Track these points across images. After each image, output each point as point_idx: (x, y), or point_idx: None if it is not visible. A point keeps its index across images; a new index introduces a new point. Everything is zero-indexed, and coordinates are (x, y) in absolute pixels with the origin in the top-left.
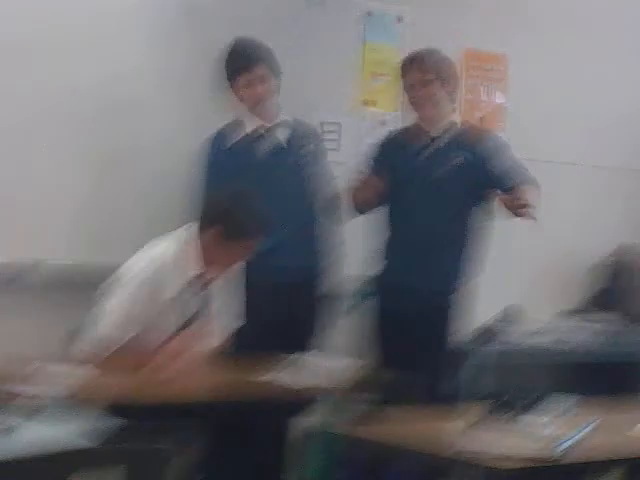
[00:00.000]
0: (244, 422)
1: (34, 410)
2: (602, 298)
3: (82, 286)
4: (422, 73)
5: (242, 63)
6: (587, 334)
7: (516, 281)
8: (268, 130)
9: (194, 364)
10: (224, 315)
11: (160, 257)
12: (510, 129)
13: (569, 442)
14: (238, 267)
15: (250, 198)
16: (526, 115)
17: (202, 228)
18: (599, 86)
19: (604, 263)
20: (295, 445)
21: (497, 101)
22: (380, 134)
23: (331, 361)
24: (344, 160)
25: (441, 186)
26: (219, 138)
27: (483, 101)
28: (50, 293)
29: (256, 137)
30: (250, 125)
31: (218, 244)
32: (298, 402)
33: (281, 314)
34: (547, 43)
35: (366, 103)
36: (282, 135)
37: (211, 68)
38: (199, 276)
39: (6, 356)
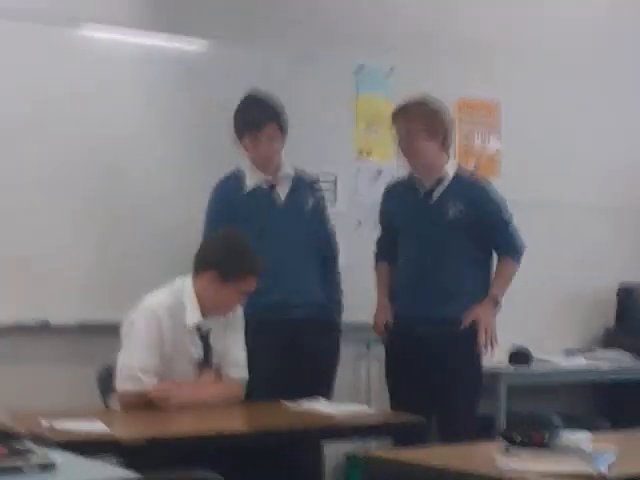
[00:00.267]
0: (281, 451)
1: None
2: (608, 337)
3: (91, 344)
4: (407, 124)
5: (253, 120)
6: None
7: (519, 321)
8: (271, 185)
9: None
10: (233, 363)
11: (155, 304)
12: (505, 174)
13: (611, 458)
14: (237, 311)
15: (241, 239)
16: (520, 160)
17: (197, 273)
18: (592, 130)
19: (608, 302)
20: (335, 471)
21: (491, 147)
22: (376, 184)
23: (342, 407)
24: (341, 211)
25: (438, 237)
26: (223, 189)
27: (477, 147)
28: (58, 351)
29: (258, 191)
30: (252, 178)
31: (214, 288)
32: (336, 428)
33: (298, 351)
34: (539, 89)
35: (361, 154)
36: (284, 189)
37: (210, 125)
38: (197, 326)
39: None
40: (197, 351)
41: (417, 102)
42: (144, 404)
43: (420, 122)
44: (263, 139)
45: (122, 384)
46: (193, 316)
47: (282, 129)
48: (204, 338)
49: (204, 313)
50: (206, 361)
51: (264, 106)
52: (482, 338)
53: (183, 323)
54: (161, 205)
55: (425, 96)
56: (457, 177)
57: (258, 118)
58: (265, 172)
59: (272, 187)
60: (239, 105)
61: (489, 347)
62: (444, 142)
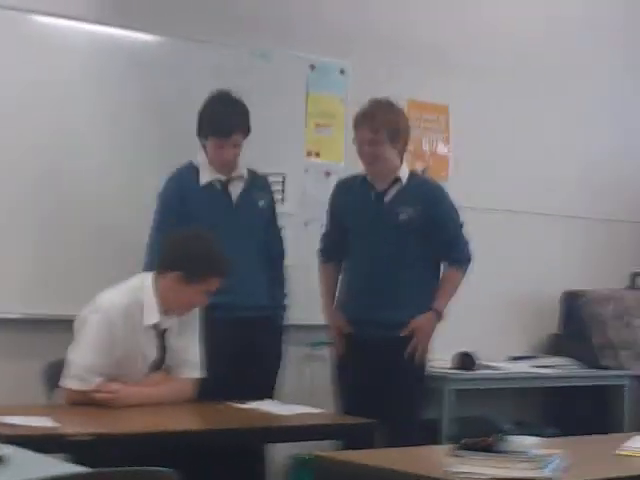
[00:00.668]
0: (225, 450)
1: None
2: (553, 343)
3: (35, 338)
4: (372, 132)
5: (221, 127)
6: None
7: (465, 326)
8: (224, 183)
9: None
10: (187, 363)
11: (109, 304)
12: (453, 178)
13: (560, 463)
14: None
15: (209, 241)
16: (469, 165)
17: (161, 272)
18: (543, 137)
19: (554, 308)
20: (280, 472)
21: (439, 151)
22: (325, 185)
23: (290, 408)
24: (289, 211)
25: (390, 238)
26: (178, 180)
27: (425, 151)
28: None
29: (212, 188)
30: (206, 175)
31: (178, 288)
32: (279, 430)
33: (242, 351)
34: (488, 92)
35: (310, 154)
36: (237, 189)
37: (160, 120)
38: (155, 325)
39: None
40: (153, 351)
41: (382, 108)
42: (88, 403)
43: (385, 130)
44: (228, 145)
45: (68, 382)
46: (151, 316)
47: (246, 135)
48: (160, 337)
49: (163, 312)
50: (161, 361)
51: (234, 113)
52: (412, 347)
53: (140, 322)
54: (106, 198)
55: (387, 100)
56: (411, 179)
57: (228, 126)
58: (219, 171)
59: (225, 185)
60: (208, 105)
61: (416, 359)
62: (404, 147)
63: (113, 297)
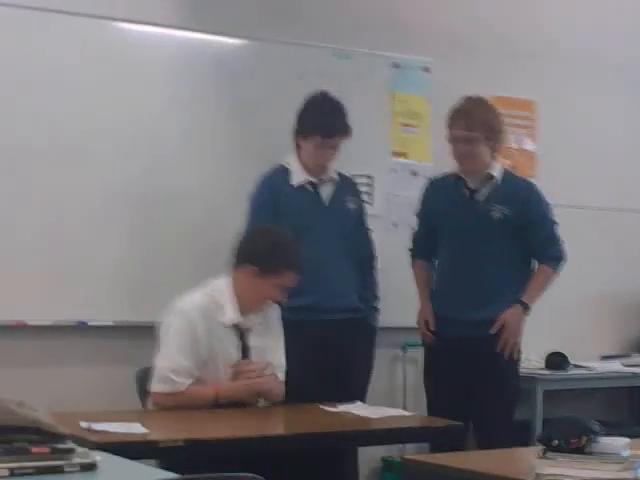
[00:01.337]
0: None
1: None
2: None
3: (128, 345)
4: (468, 130)
5: (327, 127)
6: None
7: (556, 325)
8: (316, 185)
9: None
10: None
11: (189, 306)
12: (541, 175)
13: None
14: (275, 314)
15: (284, 236)
16: (557, 161)
17: (236, 268)
18: (630, 130)
19: None
20: (370, 474)
21: (527, 148)
22: (412, 185)
23: (380, 411)
24: (377, 212)
25: (482, 237)
26: (270, 181)
27: (513, 148)
28: (95, 352)
29: (303, 190)
30: (297, 177)
31: (252, 282)
32: (373, 432)
33: (333, 353)
34: (577, 88)
35: (397, 154)
36: (328, 191)
37: (243, 123)
38: (235, 325)
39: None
40: (235, 351)
41: (477, 106)
42: (176, 405)
43: (481, 129)
44: (328, 147)
45: (155, 386)
46: (231, 315)
47: (348, 137)
48: (242, 338)
49: (242, 312)
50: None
51: (341, 115)
52: (503, 342)
53: (220, 323)
54: (191, 202)
55: (481, 98)
56: (505, 177)
57: (334, 127)
58: (311, 173)
59: (316, 187)
60: (312, 105)
61: (508, 353)
62: (497, 145)
63: (191, 299)
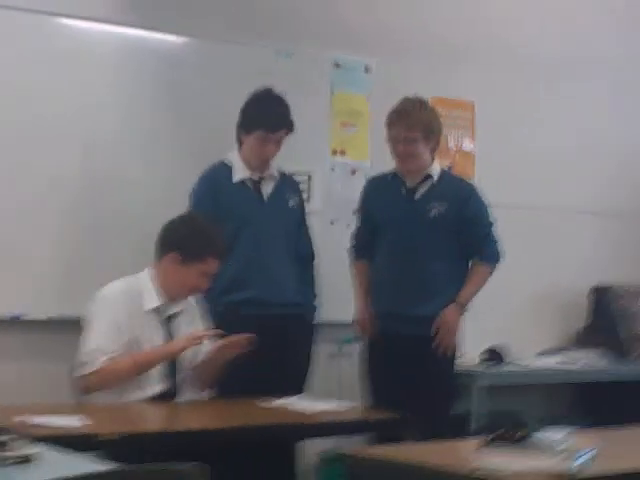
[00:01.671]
0: (254, 448)
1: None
2: (582, 337)
3: (63, 339)
4: (408, 131)
5: (270, 122)
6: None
7: (494, 321)
8: (256, 182)
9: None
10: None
11: (107, 291)
12: (479, 175)
13: (585, 457)
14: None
15: (206, 223)
16: (495, 161)
17: (159, 257)
18: (571, 132)
19: (582, 302)
20: (310, 468)
21: (466, 148)
22: (351, 183)
23: (320, 404)
24: (315, 209)
25: (420, 235)
26: (211, 176)
27: (451, 148)
28: (30, 347)
29: (244, 186)
30: (239, 173)
31: (175, 269)
32: (310, 426)
33: (272, 348)
34: (514, 89)
35: (336, 152)
36: (268, 188)
37: (185, 121)
38: (157, 310)
39: None
40: (159, 339)
41: (416, 107)
42: (100, 384)
43: (420, 129)
44: (271, 142)
45: (76, 371)
46: (151, 300)
47: (290, 133)
48: (166, 325)
49: (167, 300)
50: None
51: (284, 109)
52: (439, 341)
53: (140, 309)
54: (135, 198)
55: (420, 99)
56: (443, 176)
57: (276, 122)
58: (253, 169)
59: (257, 184)
60: (255, 101)
61: (443, 350)
62: (436, 145)
63: (111, 285)
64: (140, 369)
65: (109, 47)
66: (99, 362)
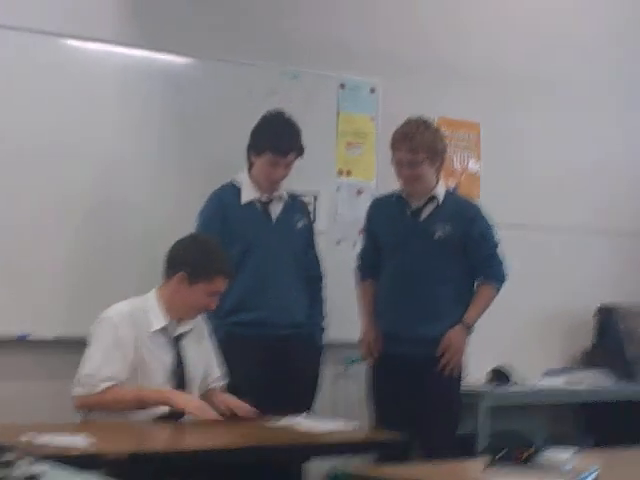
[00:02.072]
0: (260, 468)
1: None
2: (587, 357)
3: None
4: (412, 154)
5: (281, 146)
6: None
7: (500, 341)
8: (264, 203)
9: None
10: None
11: (113, 312)
12: (484, 196)
13: (590, 477)
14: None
15: (213, 243)
16: (499, 182)
17: (166, 278)
18: (572, 154)
19: (588, 322)
20: None
21: (471, 168)
22: (356, 203)
23: (326, 423)
24: (321, 229)
25: (425, 255)
26: (220, 197)
27: (456, 169)
28: (35, 367)
29: (252, 206)
30: (247, 194)
31: (182, 289)
32: (316, 446)
33: (279, 368)
34: (519, 109)
35: (341, 173)
36: (277, 209)
37: (191, 142)
38: (163, 331)
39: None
40: (169, 359)
41: (420, 129)
42: (98, 407)
43: (425, 151)
44: (282, 165)
45: (75, 390)
46: (158, 320)
47: (300, 156)
48: (174, 346)
49: (174, 318)
50: (179, 368)
51: (294, 134)
52: (445, 362)
53: (146, 330)
54: (139, 219)
55: (423, 120)
56: (448, 197)
57: (288, 145)
58: (261, 191)
59: (265, 205)
60: (266, 123)
61: (449, 371)
62: (440, 166)
63: (116, 306)
64: (142, 405)
65: (115, 67)
66: (97, 386)
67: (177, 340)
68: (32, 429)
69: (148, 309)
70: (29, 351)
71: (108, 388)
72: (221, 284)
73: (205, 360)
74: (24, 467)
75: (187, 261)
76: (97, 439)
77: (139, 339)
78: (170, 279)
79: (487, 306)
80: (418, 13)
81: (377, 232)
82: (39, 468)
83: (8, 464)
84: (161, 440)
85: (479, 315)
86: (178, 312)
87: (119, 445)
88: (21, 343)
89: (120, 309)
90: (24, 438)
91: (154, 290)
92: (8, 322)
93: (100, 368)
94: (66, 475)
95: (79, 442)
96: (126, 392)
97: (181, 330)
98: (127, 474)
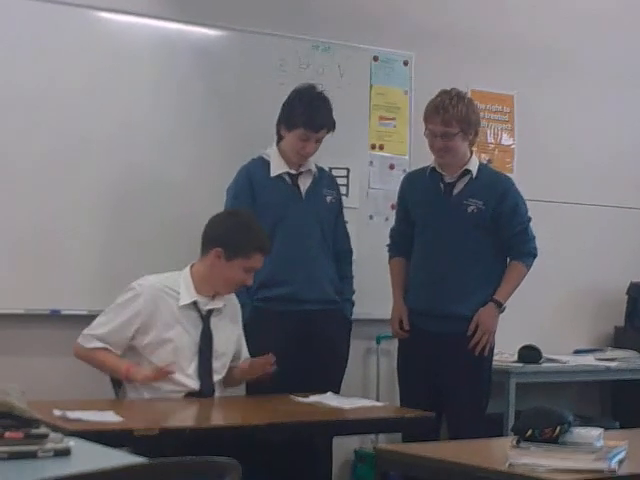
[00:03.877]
0: (288, 444)
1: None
2: (618, 336)
3: None
4: (445, 126)
5: (314, 121)
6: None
7: (530, 319)
8: (294, 176)
9: None
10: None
11: (142, 281)
12: (518, 171)
13: (622, 454)
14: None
15: (248, 217)
16: (534, 157)
17: (203, 253)
18: (606, 125)
19: (620, 301)
20: (343, 464)
21: (504, 142)
22: (389, 178)
23: (351, 401)
24: (353, 204)
25: (457, 231)
26: (249, 170)
27: (490, 142)
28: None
29: (282, 180)
30: (276, 168)
31: (219, 264)
32: (346, 422)
33: (309, 343)
34: (554, 83)
35: (374, 147)
36: (306, 183)
37: (223, 115)
38: (194, 306)
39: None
40: (196, 333)
41: (453, 101)
42: (87, 360)
43: (458, 123)
44: (313, 140)
45: (80, 337)
46: (188, 294)
47: (332, 132)
48: (206, 319)
49: (208, 294)
50: (207, 343)
51: (327, 109)
52: (476, 340)
53: (174, 305)
54: (172, 192)
55: (457, 92)
56: (481, 171)
57: (320, 121)
58: (290, 164)
59: (295, 178)
60: (299, 98)
61: (480, 350)
62: (474, 139)
63: (146, 278)
64: (104, 371)
65: (148, 41)
66: (93, 345)
67: (208, 316)
68: (63, 405)
69: (180, 284)
70: (63, 326)
71: (97, 349)
72: (258, 260)
73: (238, 341)
74: (55, 441)
75: (224, 237)
76: (126, 416)
77: (163, 313)
78: (207, 254)
79: (518, 284)
80: None
81: (410, 207)
82: (69, 442)
83: (39, 437)
84: (190, 417)
85: (510, 294)
86: (215, 287)
87: (147, 422)
88: (54, 317)
89: (149, 282)
90: (57, 413)
91: (189, 266)
92: (43, 297)
93: (98, 327)
94: (98, 449)
95: (109, 418)
96: (106, 358)
97: (212, 306)
98: (155, 450)
